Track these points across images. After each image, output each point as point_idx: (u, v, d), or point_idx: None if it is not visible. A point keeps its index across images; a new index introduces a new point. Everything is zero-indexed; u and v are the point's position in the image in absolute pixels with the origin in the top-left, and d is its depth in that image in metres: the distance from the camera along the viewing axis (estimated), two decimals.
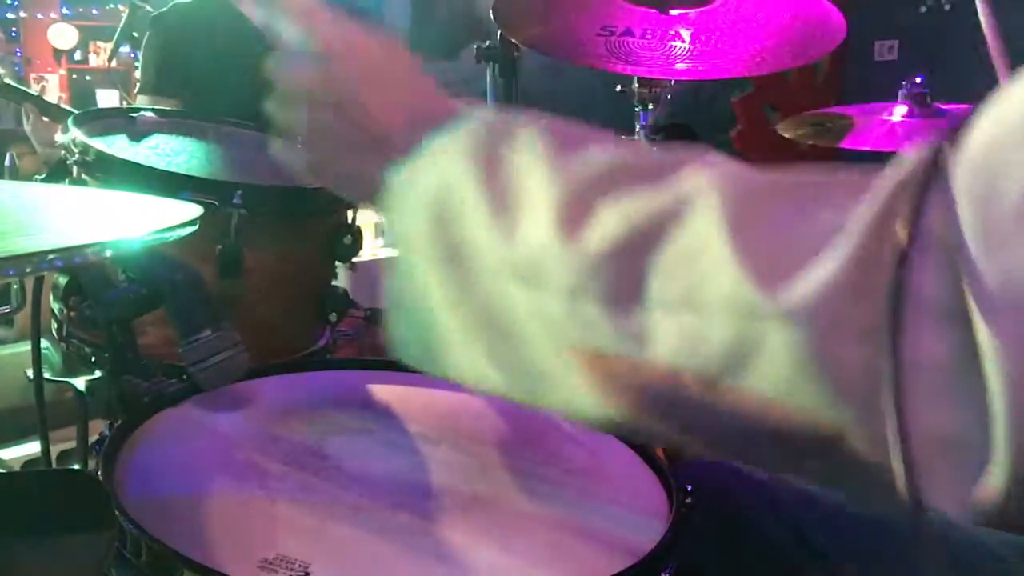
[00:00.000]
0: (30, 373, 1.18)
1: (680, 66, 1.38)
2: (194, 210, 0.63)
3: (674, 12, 1.37)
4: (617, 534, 0.78)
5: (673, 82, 1.45)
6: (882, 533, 0.81)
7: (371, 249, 3.36)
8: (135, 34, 2.70)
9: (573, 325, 0.48)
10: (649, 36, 1.37)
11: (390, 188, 0.58)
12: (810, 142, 1.81)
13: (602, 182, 0.49)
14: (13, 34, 7.67)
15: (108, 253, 0.53)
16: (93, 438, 1.11)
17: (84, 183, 1.12)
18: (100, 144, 1.13)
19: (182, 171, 1.16)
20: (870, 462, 0.41)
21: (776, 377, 0.41)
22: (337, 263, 1.29)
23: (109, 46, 3.63)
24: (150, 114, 1.36)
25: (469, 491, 0.83)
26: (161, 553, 0.66)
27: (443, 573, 0.71)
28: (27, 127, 2.14)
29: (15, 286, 1.46)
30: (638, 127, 1.48)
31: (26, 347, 1.36)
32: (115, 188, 1.07)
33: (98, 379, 1.16)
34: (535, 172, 0.52)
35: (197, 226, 0.61)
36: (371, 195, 0.60)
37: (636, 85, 1.45)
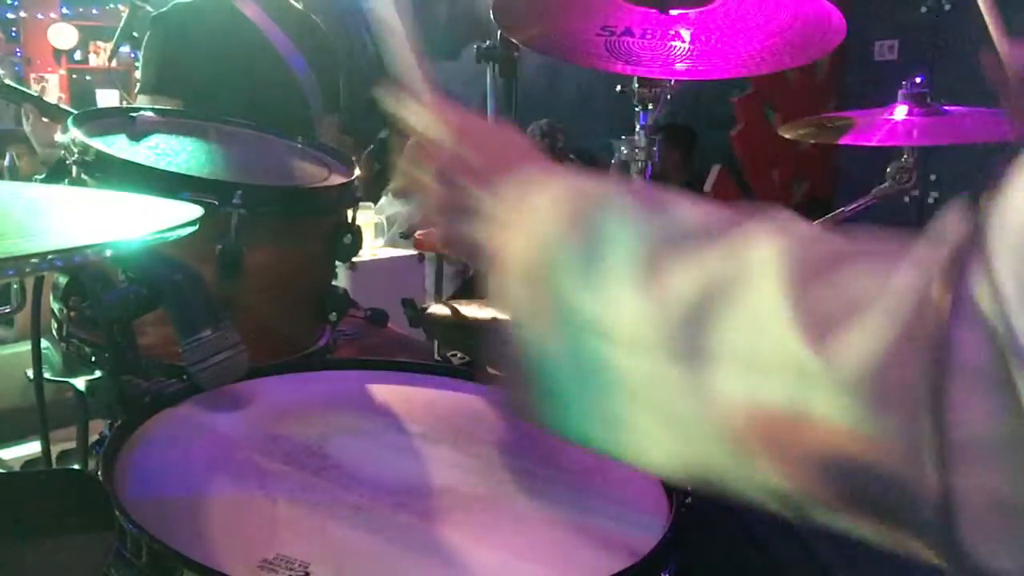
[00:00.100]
0: (30, 373, 1.17)
1: (680, 66, 1.38)
2: (194, 210, 0.63)
3: (674, 12, 1.37)
4: (617, 534, 0.78)
5: (673, 82, 1.44)
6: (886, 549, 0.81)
7: (371, 249, 3.36)
8: (135, 34, 2.69)
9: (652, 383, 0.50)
10: (649, 36, 1.37)
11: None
12: (811, 141, 1.81)
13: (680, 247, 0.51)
14: (13, 34, 7.68)
15: (108, 253, 0.53)
16: (93, 438, 1.11)
17: (84, 183, 1.12)
18: (100, 144, 1.13)
19: (182, 171, 1.16)
20: (918, 522, 0.42)
21: (828, 437, 0.43)
22: (337, 263, 1.29)
23: (109, 46, 3.63)
24: (150, 114, 1.35)
25: (469, 491, 0.83)
26: (161, 553, 0.66)
27: (443, 573, 0.71)
28: (27, 127, 2.13)
29: (15, 286, 1.46)
30: (638, 127, 1.48)
31: (26, 347, 1.35)
32: (115, 188, 1.07)
33: (98, 379, 1.15)
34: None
35: (197, 226, 0.61)
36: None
37: (636, 85, 1.45)
